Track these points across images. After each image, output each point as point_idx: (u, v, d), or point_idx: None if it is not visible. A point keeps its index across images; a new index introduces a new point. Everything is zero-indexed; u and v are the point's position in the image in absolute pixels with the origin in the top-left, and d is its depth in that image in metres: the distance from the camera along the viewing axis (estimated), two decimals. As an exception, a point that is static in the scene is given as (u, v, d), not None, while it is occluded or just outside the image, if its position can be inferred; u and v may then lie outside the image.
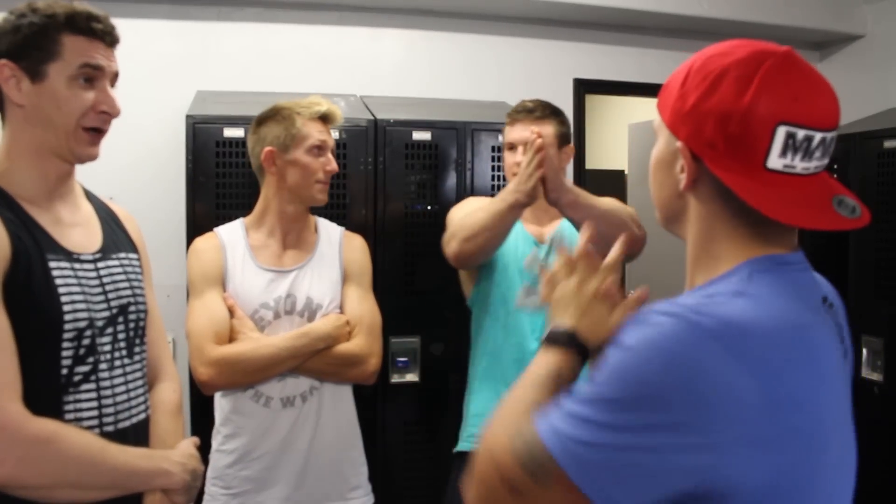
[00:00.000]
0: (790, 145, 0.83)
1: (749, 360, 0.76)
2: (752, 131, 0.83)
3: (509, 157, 1.97)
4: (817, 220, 0.84)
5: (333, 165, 1.86)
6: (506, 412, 0.88)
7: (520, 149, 1.92)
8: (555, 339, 0.95)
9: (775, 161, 0.83)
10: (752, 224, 0.86)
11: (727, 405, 0.76)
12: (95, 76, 1.26)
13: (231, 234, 1.86)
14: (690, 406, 0.76)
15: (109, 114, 1.28)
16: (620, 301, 0.98)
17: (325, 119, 1.87)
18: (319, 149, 1.83)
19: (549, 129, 1.91)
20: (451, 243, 1.88)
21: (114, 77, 1.30)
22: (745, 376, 0.76)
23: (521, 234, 1.98)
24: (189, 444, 1.39)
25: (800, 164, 0.84)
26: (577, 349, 0.94)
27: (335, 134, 1.98)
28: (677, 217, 0.93)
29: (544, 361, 0.94)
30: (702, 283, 0.88)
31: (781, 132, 0.82)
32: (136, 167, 2.82)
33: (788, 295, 0.84)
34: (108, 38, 1.28)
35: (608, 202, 1.90)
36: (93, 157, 1.30)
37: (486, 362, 1.97)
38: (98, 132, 1.28)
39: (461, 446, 1.98)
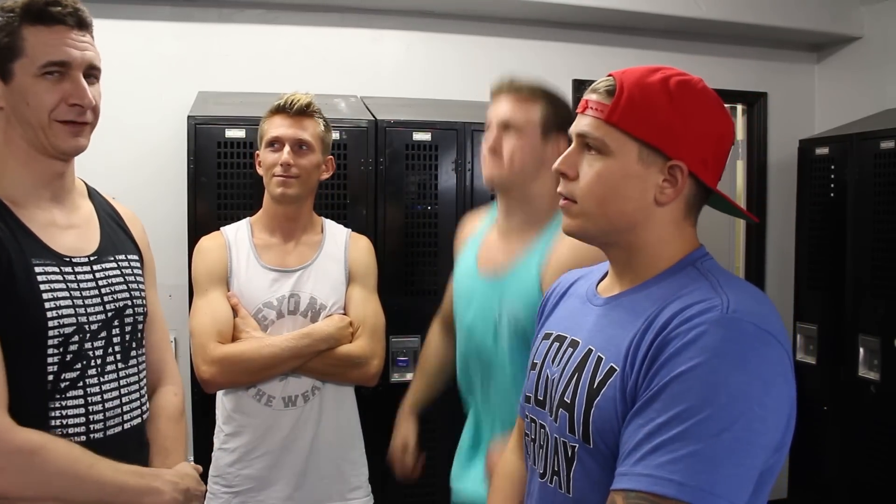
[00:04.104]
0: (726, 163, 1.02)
1: (779, 333, 0.90)
2: (726, 152, 1.01)
3: (484, 137, 1.68)
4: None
5: (284, 157, 1.76)
6: None
7: (493, 129, 1.63)
8: None
9: (719, 177, 1.02)
10: (693, 226, 1.04)
11: (786, 375, 0.89)
12: (64, 70, 1.20)
13: (237, 234, 1.87)
14: (765, 384, 0.86)
15: (81, 105, 1.22)
16: None
17: (286, 112, 1.79)
18: (274, 144, 1.80)
19: (531, 114, 1.62)
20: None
21: (91, 66, 1.23)
22: (780, 346, 0.89)
23: (472, 270, 1.72)
24: (187, 465, 1.36)
25: None
26: None
27: (336, 135, 1.97)
28: (632, 227, 1.01)
29: None
30: (649, 278, 1.01)
31: (731, 151, 1.03)
32: (138, 167, 2.84)
33: (731, 275, 1.01)
34: (73, 20, 1.21)
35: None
36: (78, 149, 1.25)
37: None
38: (76, 124, 1.23)
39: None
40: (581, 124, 1.02)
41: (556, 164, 1.05)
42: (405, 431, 1.96)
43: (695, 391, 0.84)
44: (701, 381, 0.84)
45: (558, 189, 1.05)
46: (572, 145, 1.04)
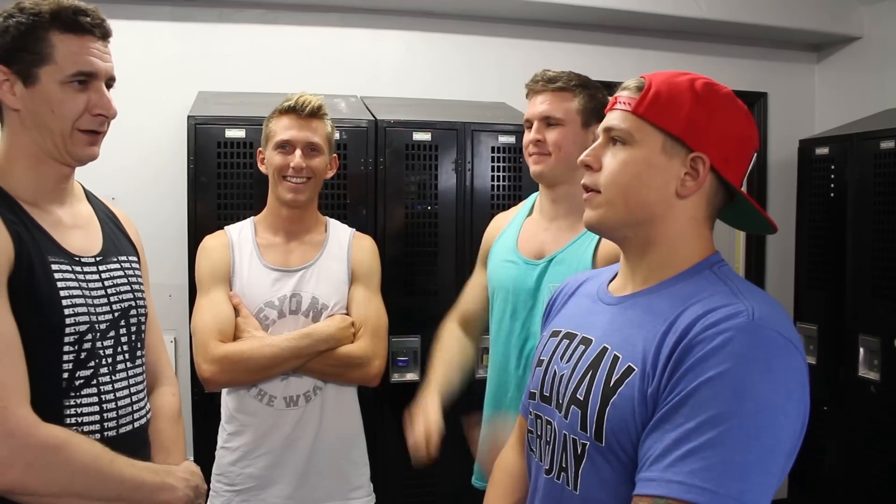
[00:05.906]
0: (750, 169, 1.04)
1: (797, 342, 0.91)
2: (749, 155, 1.03)
3: (525, 135, 1.74)
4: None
5: (297, 161, 1.77)
6: None
7: (535, 125, 1.70)
8: None
9: (743, 180, 1.03)
10: (710, 228, 1.04)
11: (804, 384, 0.89)
12: (88, 80, 1.23)
13: (240, 233, 1.87)
14: (788, 392, 0.87)
15: (105, 115, 1.25)
16: None
17: (297, 113, 1.79)
18: (284, 146, 1.79)
19: (570, 105, 1.70)
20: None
21: (110, 77, 1.27)
22: (799, 355, 0.90)
23: (512, 253, 1.77)
24: (191, 464, 1.37)
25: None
26: None
27: (336, 135, 1.96)
28: (652, 219, 1.02)
29: None
30: (665, 279, 1.02)
31: (753, 158, 1.04)
32: (138, 168, 2.84)
33: (747, 282, 1.01)
34: (99, 31, 1.24)
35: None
36: (93, 157, 1.28)
37: (489, 388, 1.82)
38: (95, 133, 1.26)
39: (474, 481, 1.84)
40: (609, 118, 1.05)
41: (581, 157, 1.07)
42: (431, 415, 1.65)
43: (723, 397, 0.85)
44: (729, 388, 0.85)
45: (582, 182, 1.07)
46: (599, 140, 1.06)
